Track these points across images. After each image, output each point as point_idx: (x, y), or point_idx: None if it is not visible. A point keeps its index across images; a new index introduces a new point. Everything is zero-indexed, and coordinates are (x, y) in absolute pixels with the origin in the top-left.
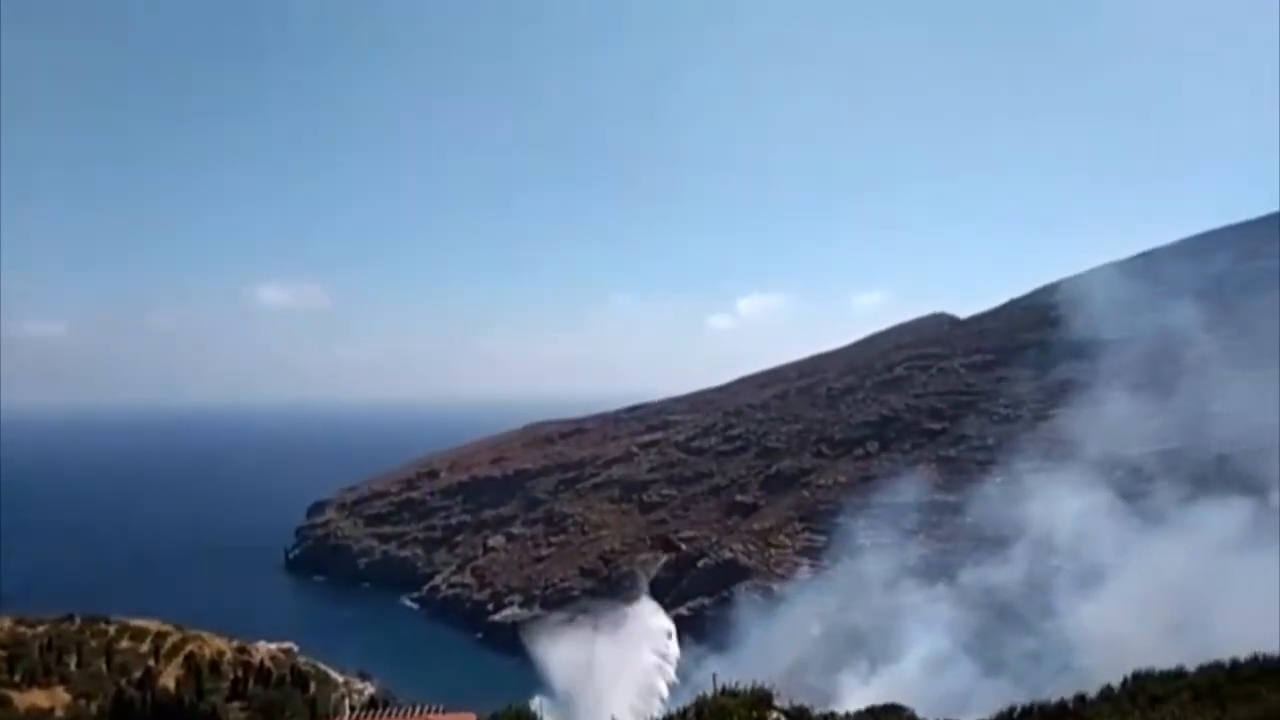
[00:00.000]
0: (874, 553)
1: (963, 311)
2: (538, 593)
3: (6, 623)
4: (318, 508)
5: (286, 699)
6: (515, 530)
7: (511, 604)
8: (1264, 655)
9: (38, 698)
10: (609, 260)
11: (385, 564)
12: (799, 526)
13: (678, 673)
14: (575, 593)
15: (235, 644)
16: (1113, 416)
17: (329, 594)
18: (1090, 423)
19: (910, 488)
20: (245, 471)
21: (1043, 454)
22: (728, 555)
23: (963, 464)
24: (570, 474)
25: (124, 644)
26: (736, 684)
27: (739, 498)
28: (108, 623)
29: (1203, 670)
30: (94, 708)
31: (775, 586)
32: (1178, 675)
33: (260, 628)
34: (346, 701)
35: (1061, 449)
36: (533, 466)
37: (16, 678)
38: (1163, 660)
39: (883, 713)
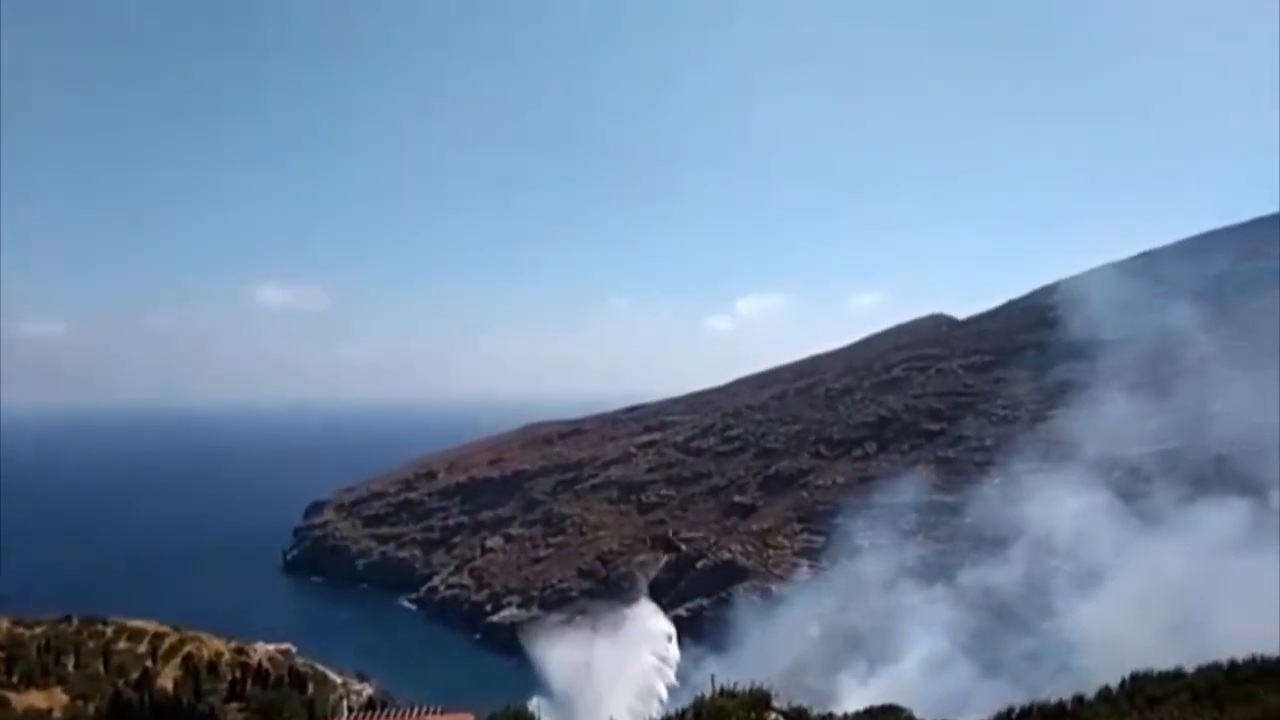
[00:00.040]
0: (872, 553)
1: (961, 312)
2: (536, 594)
3: (4, 624)
4: (315, 508)
5: (284, 700)
6: (513, 531)
7: (509, 605)
8: (1262, 656)
9: (35, 699)
10: (608, 261)
11: (383, 565)
12: (797, 527)
13: (677, 674)
14: (573, 593)
15: (233, 645)
16: (1111, 417)
17: (327, 595)
18: (1089, 423)
19: (908, 488)
20: (244, 472)
21: (1041, 455)
22: (726, 556)
23: (961, 465)
24: (568, 475)
25: (122, 645)
26: (735, 685)
27: (737, 498)
28: (105, 624)
29: (1201, 671)
30: (92, 709)
31: (774, 587)
32: (1176, 676)
33: (258, 629)
34: (344, 702)
35: (1060, 450)
36: (531, 467)
37: (14, 679)
38: (1161, 661)
39: (881, 713)
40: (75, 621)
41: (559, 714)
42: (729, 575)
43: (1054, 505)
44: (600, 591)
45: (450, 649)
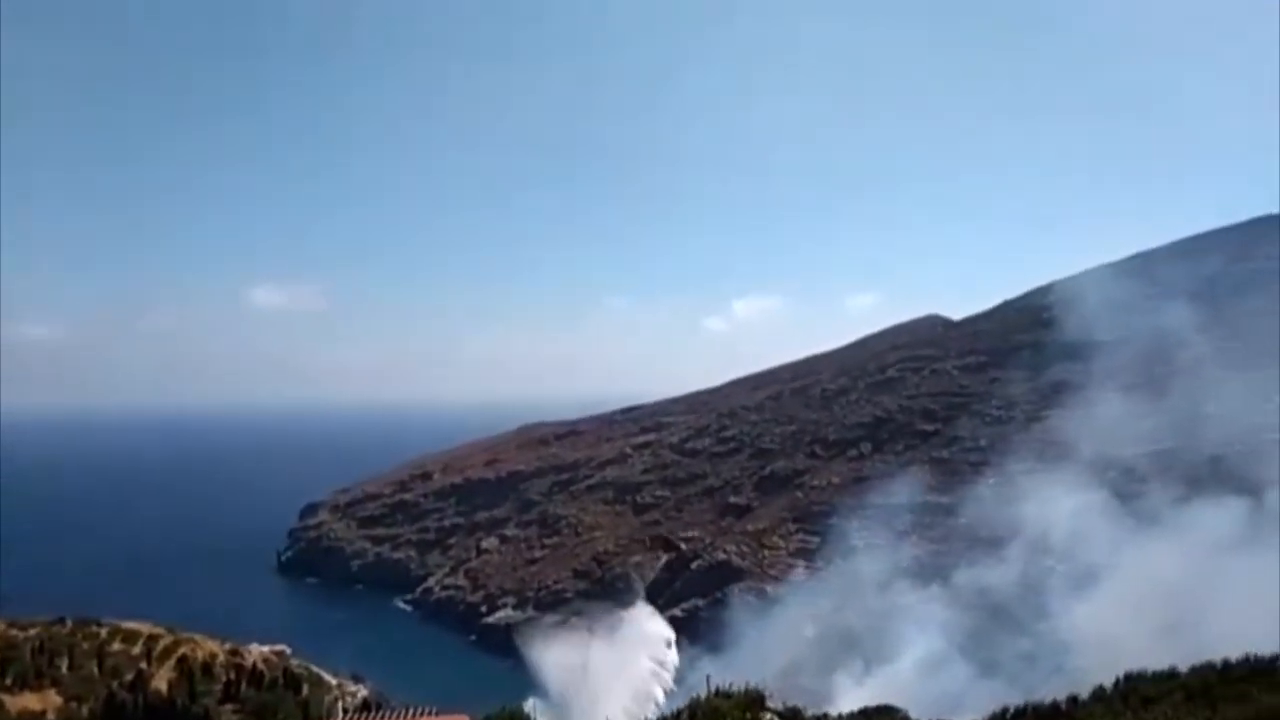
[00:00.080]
0: (867, 554)
1: (956, 313)
2: (531, 594)
3: None
4: (310, 509)
5: (279, 701)
6: (509, 532)
7: (505, 606)
8: (1256, 656)
9: (29, 700)
10: (604, 262)
11: (378, 566)
12: (792, 528)
13: (675, 678)
14: (569, 594)
15: (228, 646)
16: (1106, 418)
17: (321, 596)
18: (1084, 424)
19: (903, 489)
20: (239, 473)
21: (1036, 455)
22: (721, 556)
23: (956, 465)
24: (564, 476)
25: (116, 646)
26: (730, 685)
27: (733, 499)
28: (99, 625)
29: (1195, 671)
30: (86, 710)
31: (769, 588)
32: (1170, 676)
33: (253, 630)
34: (339, 704)
35: (1055, 450)
36: (526, 468)
37: (8, 680)
38: (1156, 661)
39: (876, 714)
40: (69, 623)
41: (554, 715)
42: (724, 575)
43: (1049, 505)
44: (595, 592)
45: (445, 650)
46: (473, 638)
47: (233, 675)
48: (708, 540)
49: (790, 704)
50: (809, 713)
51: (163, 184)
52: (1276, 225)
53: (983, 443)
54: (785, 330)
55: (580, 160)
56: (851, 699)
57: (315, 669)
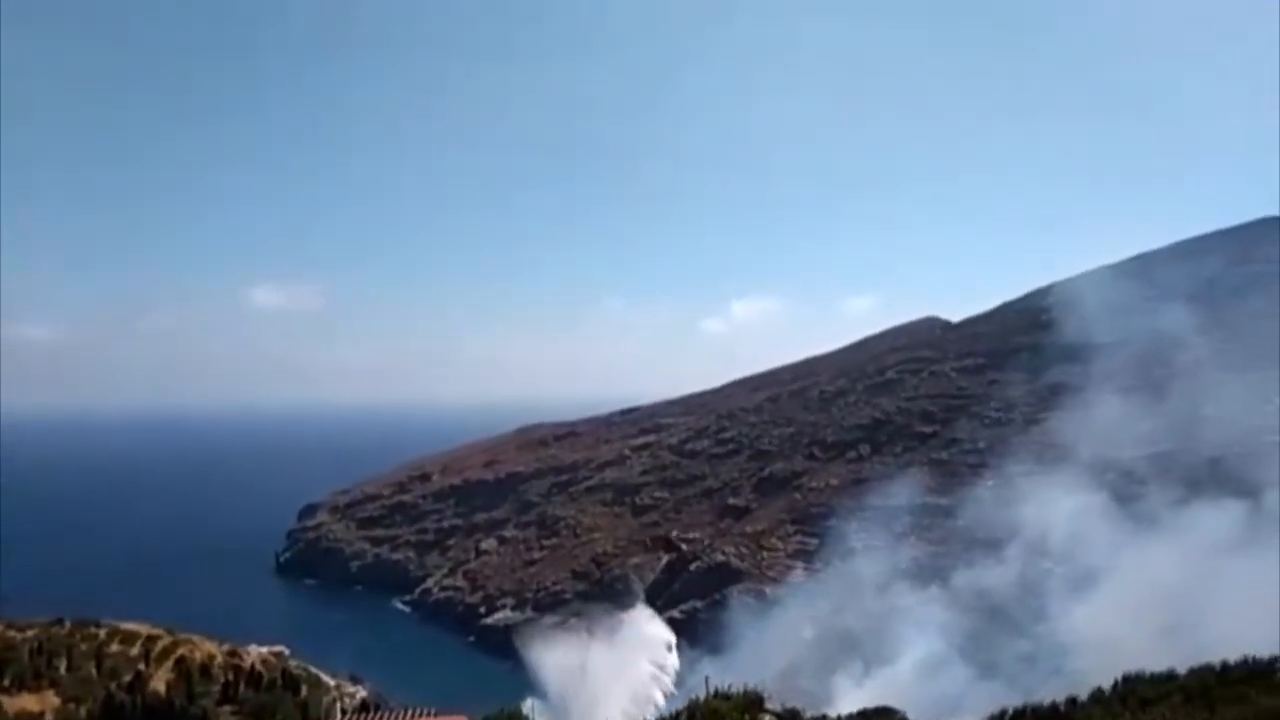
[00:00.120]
0: (866, 555)
1: (955, 315)
2: (530, 596)
3: None
4: (309, 510)
5: (278, 702)
6: (507, 533)
7: (504, 607)
8: (1254, 658)
9: (27, 702)
10: (602, 263)
11: (377, 567)
12: (791, 529)
13: (675, 682)
14: (567, 596)
15: (226, 647)
16: (1105, 420)
17: (320, 597)
18: (1082, 426)
19: (902, 490)
20: (238, 473)
21: (1035, 457)
22: (720, 558)
23: (954, 467)
24: (563, 477)
25: (114, 647)
26: (729, 687)
27: (731, 500)
28: (98, 626)
29: (1193, 672)
30: (84, 712)
31: (768, 589)
32: (1168, 678)
33: (251, 631)
34: (338, 705)
35: (1054, 452)
36: (525, 469)
37: (6, 682)
38: (1155, 663)
39: (875, 715)
40: (67, 624)
41: (553, 717)
42: (723, 577)
43: (1048, 507)
44: (594, 594)
45: (444, 651)
46: (471, 639)
47: (231, 676)
48: (706, 542)
49: (789, 705)
50: (808, 714)
51: (163, 184)
52: (1276, 227)
53: (981, 445)
54: (784, 332)
55: (579, 160)
56: (850, 700)
57: (314, 670)
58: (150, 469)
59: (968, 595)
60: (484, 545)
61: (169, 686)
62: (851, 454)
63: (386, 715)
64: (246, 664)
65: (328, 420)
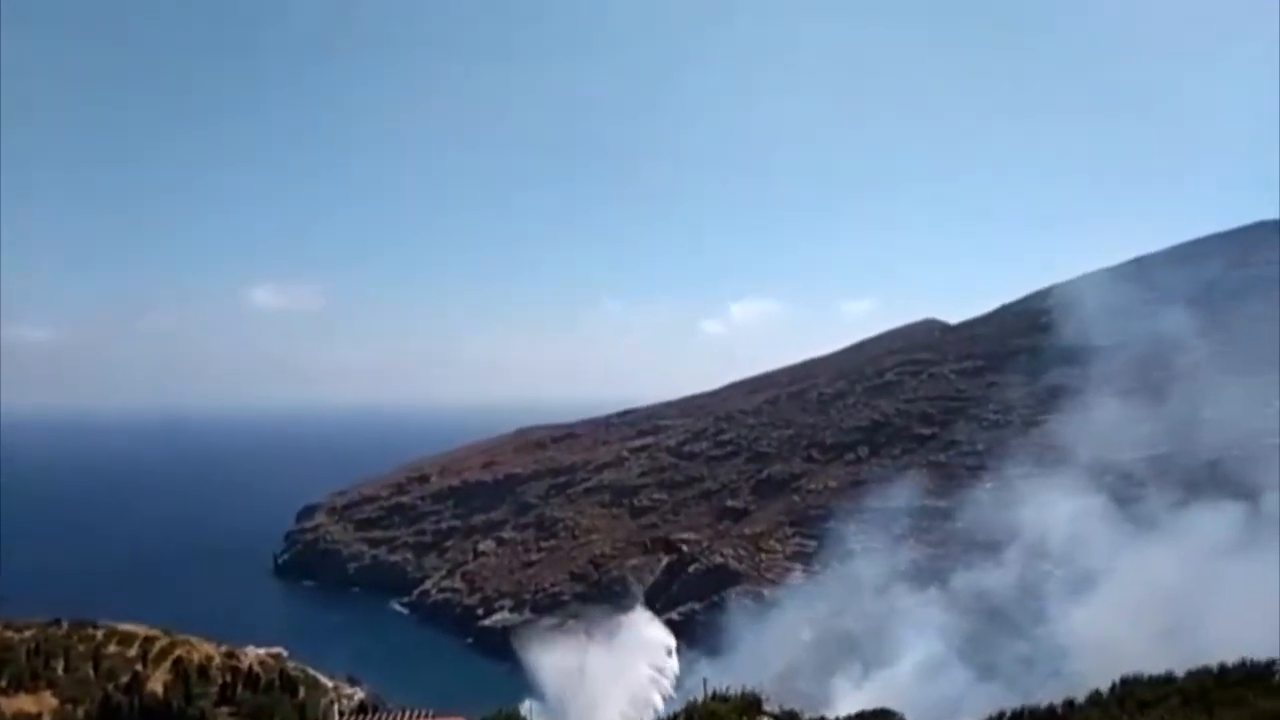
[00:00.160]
0: (865, 557)
1: (953, 318)
2: (528, 597)
3: None
4: (307, 512)
5: (275, 704)
6: (506, 535)
7: (502, 609)
8: (1252, 660)
9: (25, 703)
10: (602, 264)
11: (375, 568)
12: (789, 531)
13: (674, 686)
14: (565, 597)
15: (224, 648)
16: (1104, 422)
17: (318, 598)
18: (1081, 428)
19: (901, 493)
20: (237, 474)
21: (1034, 459)
22: (718, 560)
23: (953, 469)
24: (561, 479)
25: (112, 648)
26: (727, 689)
27: (730, 502)
28: (95, 627)
29: (1191, 675)
30: (81, 712)
31: (766, 591)
32: (1166, 680)
33: (249, 632)
34: (336, 706)
35: (1052, 454)
36: (523, 471)
37: (3, 682)
38: (1154, 665)
39: (873, 717)
40: (65, 625)
41: (550, 717)
42: (721, 579)
43: (1047, 510)
44: (592, 595)
45: (442, 653)
46: (469, 640)
47: (229, 677)
48: (705, 544)
49: (787, 708)
50: (806, 716)
51: (162, 184)
52: (1275, 230)
53: (980, 447)
54: (782, 334)
55: (579, 161)
56: (849, 702)
57: (312, 671)
58: (149, 469)
59: (966, 597)
60: (482, 547)
61: (166, 688)
62: (850, 456)
63: (384, 717)
64: (244, 665)
65: (327, 421)
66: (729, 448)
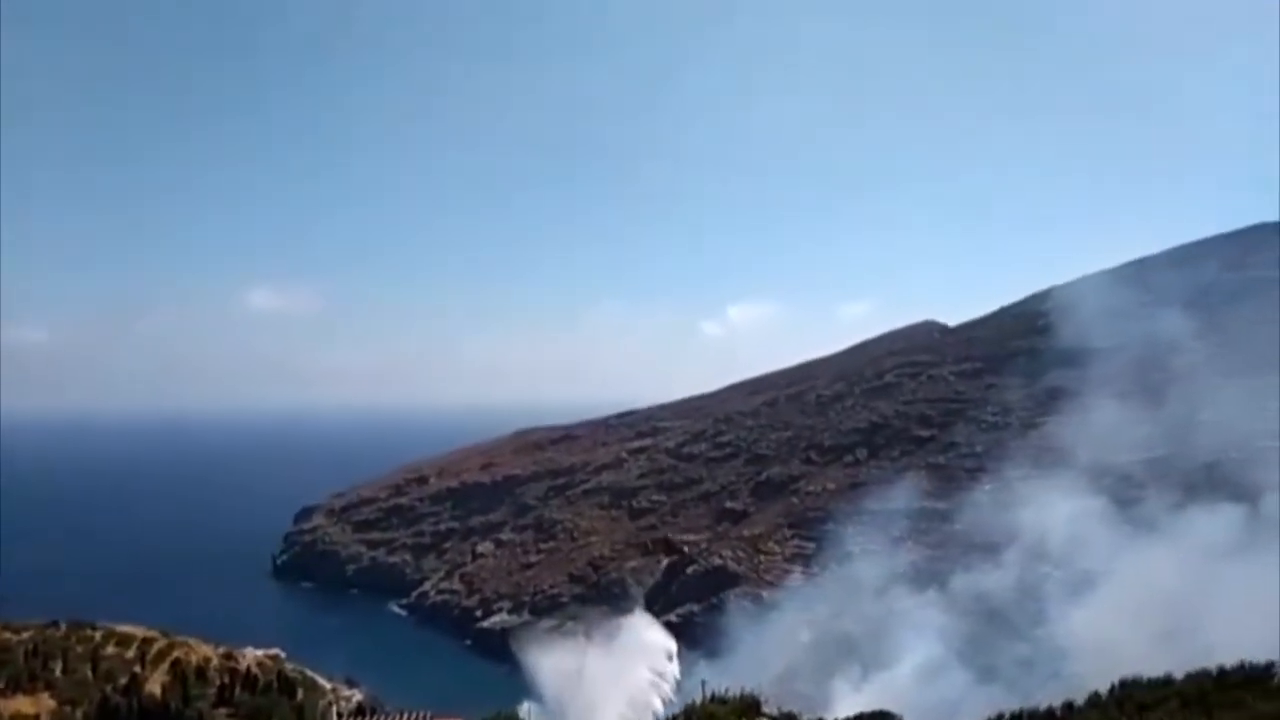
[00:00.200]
0: (864, 559)
1: (952, 320)
2: (527, 599)
3: None
4: (306, 513)
5: (273, 706)
6: (504, 536)
7: (500, 610)
8: (1250, 663)
9: (22, 704)
10: (600, 266)
11: (373, 570)
12: (788, 533)
13: (675, 689)
14: (564, 599)
15: (222, 650)
16: (1102, 424)
17: (316, 600)
18: (1080, 430)
19: (900, 494)
20: (235, 476)
21: (1032, 461)
22: (717, 562)
23: (952, 471)
24: (560, 480)
25: (110, 650)
26: (726, 691)
27: (729, 504)
28: (93, 628)
29: (1190, 678)
30: (79, 714)
31: (765, 593)
32: (1165, 683)
33: (247, 633)
34: (334, 708)
35: (1051, 456)
36: (522, 473)
37: (1, 684)
38: (1154, 667)
39: (870, 719)
40: (63, 626)
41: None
42: (720, 581)
43: (1046, 511)
44: (591, 597)
45: (441, 654)
46: (468, 642)
47: (227, 679)
48: (704, 545)
49: (786, 709)
50: (805, 718)
51: (159, 185)
52: (1272, 233)
53: (979, 449)
54: (781, 336)
55: (577, 162)
56: (848, 705)
57: (310, 673)
58: (148, 471)
59: (966, 599)
60: (480, 548)
61: (164, 689)
62: (849, 458)
63: (383, 718)
64: (242, 667)
65: (325, 422)
66: (728, 449)
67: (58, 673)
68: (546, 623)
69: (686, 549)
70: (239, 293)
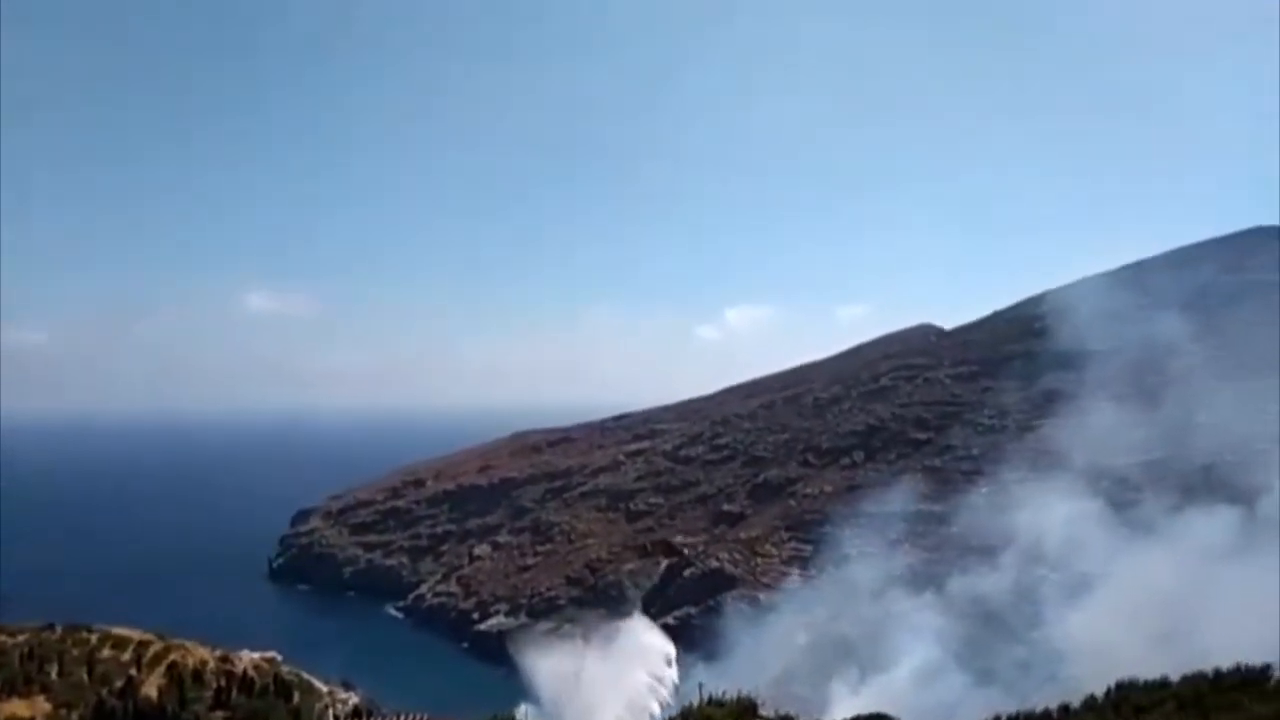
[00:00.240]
0: (861, 562)
1: (948, 323)
2: (524, 602)
3: None
4: (302, 516)
5: (270, 709)
6: (501, 539)
7: (497, 613)
8: (1247, 665)
9: (18, 707)
10: (598, 267)
11: (370, 573)
12: (785, 535)
13: (672, 693)
14: (561, 602)
15: (218, 653)
16: (1099, 427)
17: (313, 603)
18: (1076, 433)
19: (896, 497)
20: (232, 478)
21: (1029, 464)
22: (714, 564)
23: (948, 474)
24: (557, 483)
25: (106, 653)
26: (724, 694)
27: (726, 507)
28: (89, 631)
29: (1186, 680)
30: (75, 717)
31: (762, 596)
32: (1162, 685)
33: (244, 636)
34: (330, 711)
35: (1047, 459)
36: (519, 475)
37: None
38: (1151, 669)
39: None
40: (59, 629)
41: None
42: (717, 583)
43: (1042, 514)
44: (588, 600)
45: (438, 657)
46: (465, 645)
47: (223, 682)
48: (701, 548)
49: (783, 712)
50: None
51: (158, 186)
52: (1270, 236)
53: (975, 451)
54: (778, 339)
55: (576, 163)
56: (846, 707)
57: (306, 676)
58: (145, 473)
59: (963, 602)
60: (478, 551)
61: (161, 692)
62: (846, 460)
63: None
64: (238, 670)
65: (322, 425)
66: (725, 452)
67: (53, 676)
68: (544, 625)
69: (686, 551)
70: (237, 294)
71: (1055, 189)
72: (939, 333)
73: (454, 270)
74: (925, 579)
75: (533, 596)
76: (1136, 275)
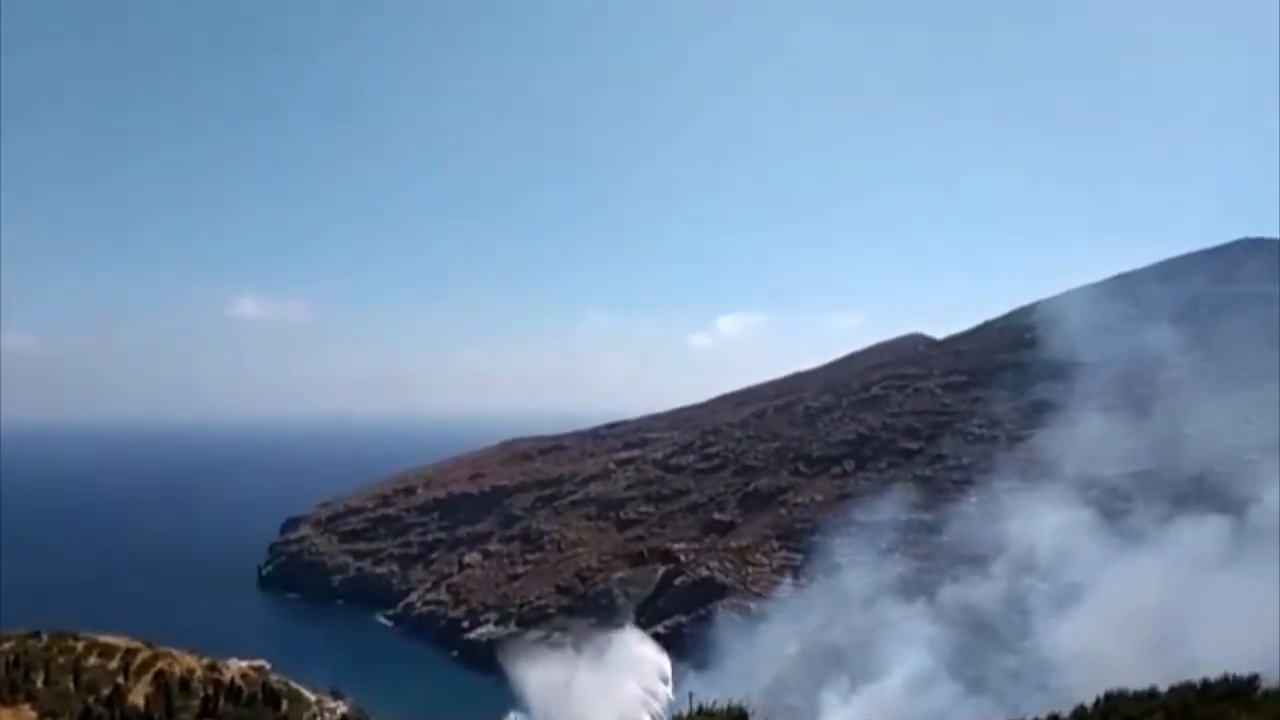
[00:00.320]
0: (851, 571)
1: (939, 332)
2: (514, 610)
3: None
4: (292, 524)
5: (258, 717)
6: (492, 547)
7: (487, 621)
8: (1234, 675)
9: (3, 715)
10: (590, 276)
11: (359, 581)
12: (776, 544)
13: (665, 708)
14: (551, 610)
15: (206, 661)
16: (1089, 437)
17: (302, 611)
18: (1066, 443)
19: (887, 506)
20: (222, 486)
21: (1019, 474)
22: (705, 573)
23: (939, 483)
24: (547, 491)
25: (92, 661)
26: (714, 703)
27: (716, 515)
28: (76, 639)
29: (1174, 690)
30: None
31: (753, 605)
32: (1150, 695)
33: (232, 645)
34: None
35: (1038, 469)
36: (510, 483)
37: None
38: (1141, 679)
39: None
40: (45, 637)
41: None
42: (708, 592)
43: (1033, 524)
44: (578, 608)
45: (427, 666)
46: (455, 654)
47: (211, 691)
48: (692, 557)
49: None
50: None
51: (150, 194)
52: (1259, 247)
53: (966, 461)
54: (769, 348)
55: (568, 172)
56: (837, 716)
57: (294, 685)
58: (135, 481)
59: (954, 611)
60: (468, 559)
61: (148, 700)
62: (837, 469)
63: None
64: (226, 678)
65: (312, 433)
66: (716, 461)
67: (39, 684)
68: (533, 634)
69: (683, 557)
70: (227, 303)
71: (1048, 200)
72: (930, 342)
73: (446, 279)
74: (916, 588)
75: (523, 605)
76: (1126, 286)
